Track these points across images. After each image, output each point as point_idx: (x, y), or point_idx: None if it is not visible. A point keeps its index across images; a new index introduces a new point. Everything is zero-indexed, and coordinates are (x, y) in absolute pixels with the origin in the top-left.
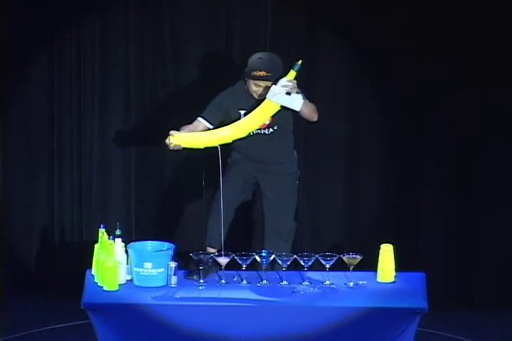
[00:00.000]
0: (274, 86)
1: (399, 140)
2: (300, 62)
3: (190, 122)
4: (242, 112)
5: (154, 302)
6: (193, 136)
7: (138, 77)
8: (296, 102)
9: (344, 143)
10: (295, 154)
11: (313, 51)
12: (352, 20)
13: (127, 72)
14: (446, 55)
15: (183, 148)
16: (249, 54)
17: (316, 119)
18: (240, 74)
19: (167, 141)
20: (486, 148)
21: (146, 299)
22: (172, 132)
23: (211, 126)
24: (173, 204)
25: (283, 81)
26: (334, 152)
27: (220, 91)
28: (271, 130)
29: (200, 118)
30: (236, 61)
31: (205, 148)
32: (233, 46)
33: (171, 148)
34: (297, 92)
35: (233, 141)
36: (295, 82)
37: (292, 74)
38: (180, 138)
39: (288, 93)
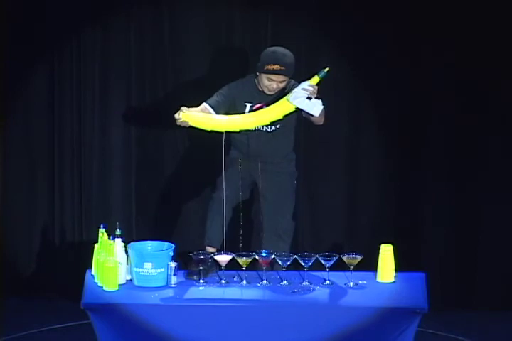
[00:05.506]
0: (296, 89)
1: (399, 140)
2: (326, 69)
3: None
4: (248, 105)
5: (154, 302)
6: (203, 117)
7: (138, 78)
8: (317, 107)
9: (344, 143)
10: (294, 154)
11: (314, 51)
12: (354, 20)
13: (128, 73)
14: (446, 55)
15: (190, 126)
16: (249, 51)
17: (322, 123)
18: (242, 69)
19: (176, 115)
20: (486, 149)
21: (146, 299)
22: (183, 108)
23: (214, 114)
24: (173, 204)
25: (305, 84)
26: (334, 152)
27: (219, 88)
28: (273, 128)
29: (205, 104)
30: (237, 57)
31: (211, 131)
32: (234, 43)
33: (178, 123)
34: (316, 98)
35: (240, 131)
36: (316, 87)
37: (315, 79)
38: (189, 116)
39: (309, 97)
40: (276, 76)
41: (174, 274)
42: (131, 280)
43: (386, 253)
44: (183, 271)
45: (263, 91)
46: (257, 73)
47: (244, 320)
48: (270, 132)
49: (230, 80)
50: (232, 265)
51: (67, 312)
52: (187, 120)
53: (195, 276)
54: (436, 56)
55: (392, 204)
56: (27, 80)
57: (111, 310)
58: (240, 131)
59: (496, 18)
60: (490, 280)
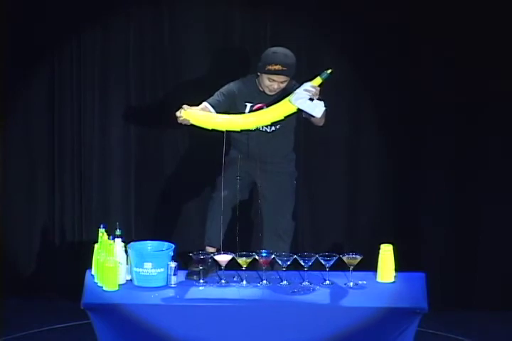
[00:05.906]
0: (298, 89)
1: (399, 140)
2: (329, 71)
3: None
4: (249, 105)
5: (154, 302)
6: (204, 115)
7: (138, 78)
8: (318, 109)
9: (344, 143)
10: (294, 154)
11: (314, 51)
12: (354, 20)
13: (128, 73)
14: (446, 55)
15: (191, 125)
16: (249, 51)
17: (322, 124)
18: (243, 69)
19: (178, 113)
20: (486, 147)
21: (146, 299)
22: (185, 106)
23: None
24: (173, 204)
25: (307, 85)
26: (334, 152)
27: (219, 88)
28: (273, 128)
29: (205, 103)
30: (237, 57)
31: (212, 130)
32: (234, 43)
33: (179, 121)
34: (318, 99)
35: (240, 131)
36: (318, 89)
37: (318, 80)
38: (190, 114)
39: (311, 99)
40: (278, 76)
41: (174, 274)
42: (131, 280)
43: (386, 253)
44: (183, 271)
45: (264, 92)
46: (258, 73)
47: (244, 320)
48: (270, 132)
49: (230, 80)
50: (232, 265)
51: (67, 312)
52: (188, 118)
53: (195, 276)
54: (436, 56)
55: (392, 204)
56: (27, 80)
57: (111, 310)
58: (241, 131)
59: (496, 18)
60: (490, 280)
